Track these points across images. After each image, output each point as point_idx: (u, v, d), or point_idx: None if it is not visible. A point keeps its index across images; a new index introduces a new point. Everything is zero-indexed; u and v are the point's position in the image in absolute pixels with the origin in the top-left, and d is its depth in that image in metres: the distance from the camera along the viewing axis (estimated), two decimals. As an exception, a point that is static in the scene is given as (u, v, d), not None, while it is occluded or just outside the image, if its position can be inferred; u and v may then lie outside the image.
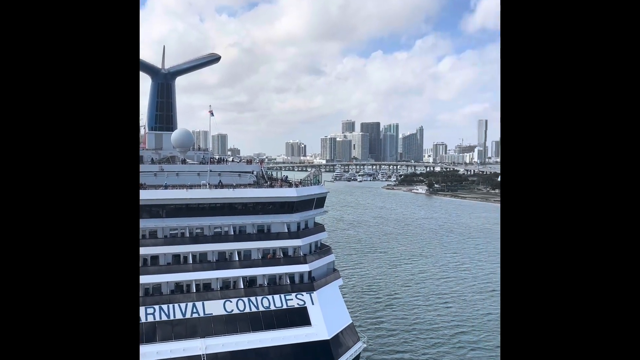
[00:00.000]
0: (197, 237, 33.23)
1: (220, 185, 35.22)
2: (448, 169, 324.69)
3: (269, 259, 34.31)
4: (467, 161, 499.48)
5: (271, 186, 38.19)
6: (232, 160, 54.43)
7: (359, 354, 33.87)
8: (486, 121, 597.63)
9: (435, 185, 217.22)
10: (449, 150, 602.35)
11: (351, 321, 35.36)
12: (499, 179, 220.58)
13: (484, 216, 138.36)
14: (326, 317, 32.63)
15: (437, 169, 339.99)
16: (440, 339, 46.77)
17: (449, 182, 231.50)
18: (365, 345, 35.75)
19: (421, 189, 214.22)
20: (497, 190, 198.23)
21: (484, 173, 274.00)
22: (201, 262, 32.76)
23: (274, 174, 48.33)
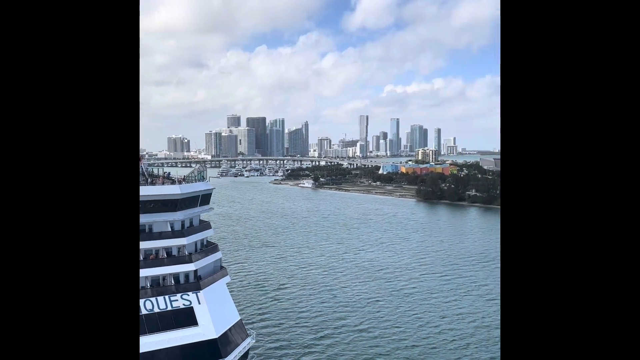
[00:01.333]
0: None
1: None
2: (333, 163, 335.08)
3: (151, 259, 32.92)
4: (351, 155, 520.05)
5: (152, 183, 36.61)
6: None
7: (248, 350, 34.00)
8: (367, 117, 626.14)
9: (321, 179, 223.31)
10: (333, 144, 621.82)
11: (239, 318, 35.30)
12: (379, 172, 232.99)
13: (365, 207, 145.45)
14: (213, 315, 32.22)
15: (323, 163, 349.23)
16: (325, 326, 48.51)
17: (333, 175, 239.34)
18: (254, 341, 35.93)
19: (307, 183, 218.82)
20: (378, 183, 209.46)
21: (366, 166, 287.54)
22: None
23: (155, 170, 46.30)
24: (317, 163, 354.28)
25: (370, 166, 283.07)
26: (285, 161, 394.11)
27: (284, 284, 63.05)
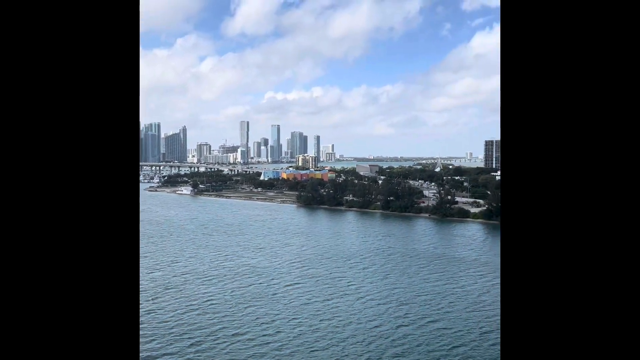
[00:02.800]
0: None
1: None
2: (213, 169, 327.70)
3: None
4: (231, 161, 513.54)
5: None
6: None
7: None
8: (248, 123, 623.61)
9: (200, 186, 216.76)
10: (213, 150, 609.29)
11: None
12: (260, 178, 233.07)
13: (246, 213, 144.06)
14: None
15: (202, 169, 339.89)
16: (200, 334, 46.66)
17: (214, 182, 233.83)
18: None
19: (186, 189, 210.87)
20: (260, 189, 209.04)
21: (247, 173, 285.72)
22: None
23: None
24: (196, 169, 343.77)
25: (251, 172, 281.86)
26: (161, 167, 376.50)
27: (156, 297, 59.53)
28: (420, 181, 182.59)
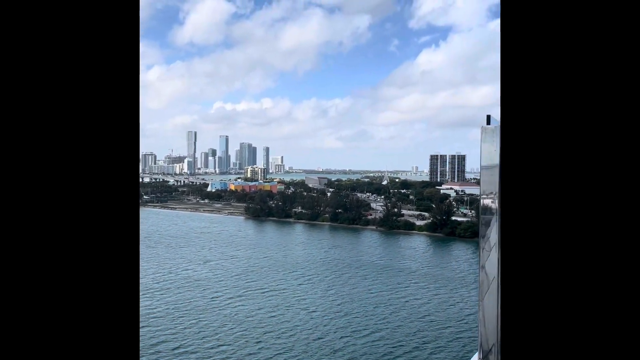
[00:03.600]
0: None
1: None
2: (158, 180, 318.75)
3: None
4: (178, 172, 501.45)
5: None
6: None
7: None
8: (195, 133, 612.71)
9: (145, 197, 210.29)
10: (159, 160, 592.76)
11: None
12: (208, 189, 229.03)
13: (192, 225, 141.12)
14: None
15: (147, 179, 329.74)
16: (143, 351, 45.27)
17: (159, 193, 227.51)
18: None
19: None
20: (207, 200, 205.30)
21: (194, 184, 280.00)
22: None
23: None
24: (140, 179, 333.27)
25: (198, 183, 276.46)
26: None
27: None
28: (367, 194, 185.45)
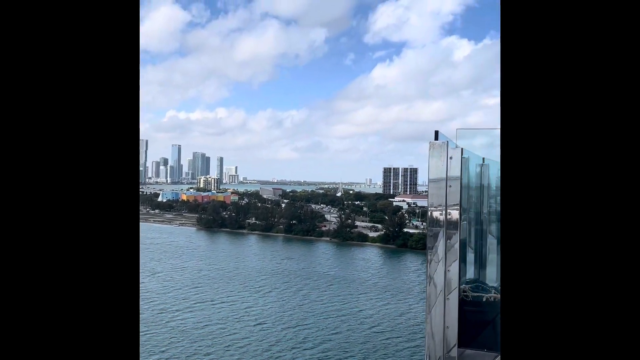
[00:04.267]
0: None
1: None
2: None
3: None
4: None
5: None
6: None
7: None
8: (147, 141, 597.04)
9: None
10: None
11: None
12: (159, 199, 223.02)
13: (141, 236, 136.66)
14: None
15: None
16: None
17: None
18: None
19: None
20: (157, 211, 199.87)
21: (144, 193, 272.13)
22: None
23: None
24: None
25: (148, 193, 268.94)
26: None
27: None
28: (322, 205, 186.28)
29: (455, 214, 5.29)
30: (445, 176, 5.23)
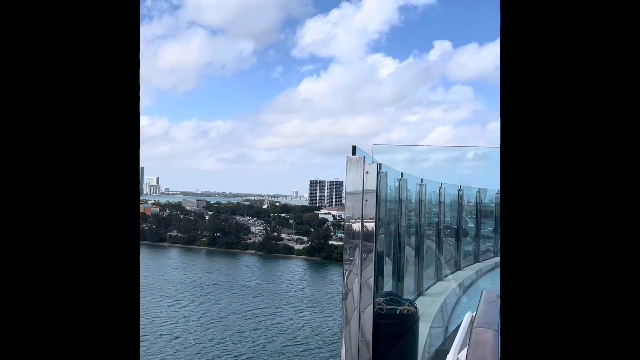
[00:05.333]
0: None
1: None
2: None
3: None
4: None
5: None
6: None
7: None
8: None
9: None
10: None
11: None
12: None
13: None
14: None
15: None
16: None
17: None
18: None
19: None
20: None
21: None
22: None
23: None
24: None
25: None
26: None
27: None
28: (247, 217, 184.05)
29: (371, 227, 5.37)
30: (361, 189, 5.31)
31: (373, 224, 5.31)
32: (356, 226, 5.37)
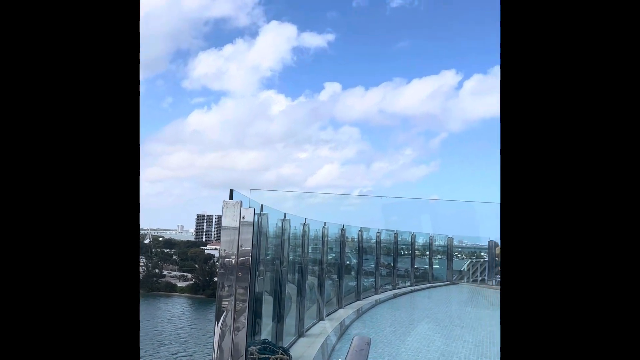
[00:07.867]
0: None
1: None
2: None
3: None
4: None
5: None
6: None
7: None
8: None
9: None
10: None
11: None
12: None
13: None
14: None
15: None
16: None
17: None
18: None
19: None
20: None
21: None
22: None
23: None
24: None
25: None
26: None
27: None
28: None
29: (246, 276, 5.27)
30: (237, 236, 5.22)
31: (248, 274, 5.22)
32: (229, 260, 5.26)
